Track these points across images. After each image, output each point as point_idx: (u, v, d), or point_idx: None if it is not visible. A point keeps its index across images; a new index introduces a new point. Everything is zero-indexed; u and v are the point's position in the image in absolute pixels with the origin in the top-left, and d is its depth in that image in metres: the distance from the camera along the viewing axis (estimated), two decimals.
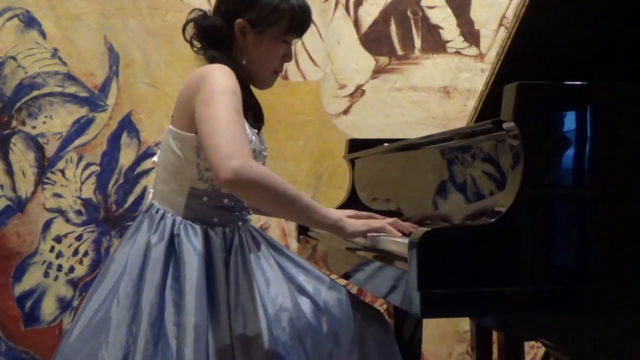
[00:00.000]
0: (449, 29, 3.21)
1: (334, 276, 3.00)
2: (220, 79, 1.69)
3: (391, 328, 1.87)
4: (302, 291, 1.77)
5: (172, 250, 1.71)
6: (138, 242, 1.73)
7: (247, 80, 1.83)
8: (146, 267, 1.68)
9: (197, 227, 1.73)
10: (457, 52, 3.21)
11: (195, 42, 1.84)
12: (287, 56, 1.88)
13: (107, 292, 1.69)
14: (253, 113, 1.82)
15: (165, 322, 1.63)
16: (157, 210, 1.77)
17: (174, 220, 1.74)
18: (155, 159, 1.87)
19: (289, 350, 1.67)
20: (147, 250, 1.70)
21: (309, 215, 1.70)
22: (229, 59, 1.80)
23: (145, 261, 1.69)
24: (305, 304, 1.75)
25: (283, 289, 1.75)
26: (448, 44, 3.21)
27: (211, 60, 1.80)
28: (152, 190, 1.87)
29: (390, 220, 1.77)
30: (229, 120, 1.63)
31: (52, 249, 3.06)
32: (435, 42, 3.21)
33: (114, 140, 3.08)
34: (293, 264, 1.83)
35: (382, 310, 2.87)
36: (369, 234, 1.75)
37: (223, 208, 1.77)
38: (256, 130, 1.82)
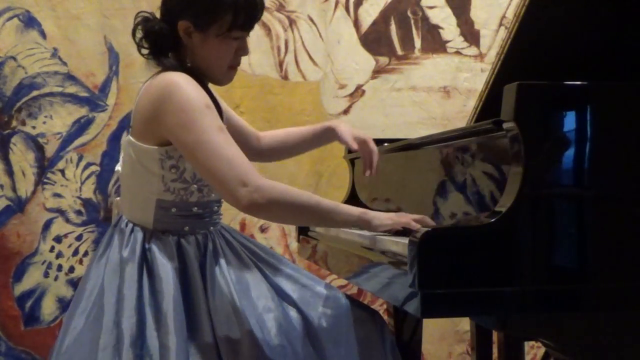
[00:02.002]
0: (449, 29, 3.21)
1: (333, 276, 3.01)
2: (189, 95, 1.65)
3: (388, 330, 1.86)
4: (285, 295, 1.76)
5: (146, 265, 1.69)
6: (111, 259, 1.70)
7: (203, 80, 1.77)
8: (122, 285, 1.66)
9: (168, 239, 1.71)
10: (457, 52, 3.21)
11: (143, 48, 1.77)
12: (242, 50, 1.78)
13: (87, 313, 1.67)
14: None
15: (147, 340, 1.61)
16: (127, 224, 1.74)
17: (144, 234, 1.72)
18: (118, 167, 1.83)
19: (277, 352, 1.66)
20: (122, 268, 1.67)
21: (333, 218, 1.70)
22: (179, 63, 1.74)
23: (121, 279, 1.66)
24: (289, 306, 1.74)
25: (264, 292, 1.73)
26: (448, 44, 3.21)
27: (165, 66, 1.74)
28: (117, 198, 1.84)
29: (417, 216, 1.71)
30: (222, 145, 1.62)
31: (52, 249, 3.06)
32: (435, 42, 3.21)
33: (114, 140, 3.08)
34: (273, 269, 1.80)
35: (382, 310, 2.88)
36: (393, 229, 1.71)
37: (193, 216, 1.74)
38: None
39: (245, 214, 1.69)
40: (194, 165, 1.67)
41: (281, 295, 1.76)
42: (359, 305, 1.85)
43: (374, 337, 1.78)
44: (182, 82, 1.67)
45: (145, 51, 1.77)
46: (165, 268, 1.67)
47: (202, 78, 1.76)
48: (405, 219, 1.68)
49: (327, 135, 2.04)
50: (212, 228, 1.79)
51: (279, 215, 1.72)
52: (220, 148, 1.62)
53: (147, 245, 1.71)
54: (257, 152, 2.07)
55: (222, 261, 1.74)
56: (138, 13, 1.78)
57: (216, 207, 1.80)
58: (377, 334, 1.80)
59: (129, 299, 1.64)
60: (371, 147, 1.92)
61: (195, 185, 1.72)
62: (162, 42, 1.74)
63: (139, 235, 1.71)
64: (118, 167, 1.84)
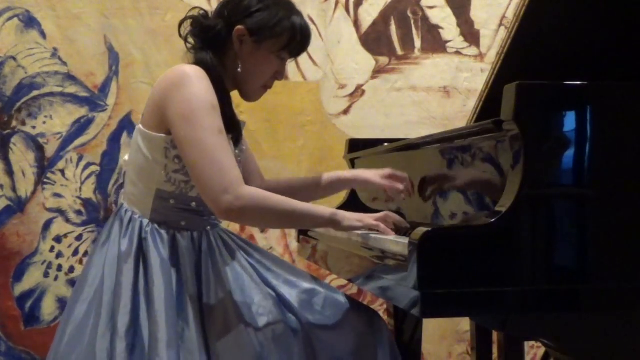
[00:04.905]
0: (449, 29, 3.21)
1: (333, 276, 3.01)
2: (198, 90, 1.66)
3: (388, 331, 1.85)
4: (283, 299, 1.76)
5: (142, 256, 1.70)
6: (111, 249, 1.72)
7: (231, 89, 1.81)
8: (120, 275, 1.68)
9: (164, 232, 1.73)
10: (457, 52, 3.21)
11: (190, 40, 1.82)
12: (279, 74, 1.86)
13: (90, 301, 1.69)
14: (230, 129, 1.77)
15: (139, 329, 1.64)
16: (126, 212, 1.76)
17: (142, 223, 1.73)
18: (126, 157, 1.85)
19: (271, 354, 1.66)
20: (120, 257, 1.70)
21: (306, 221, 1.77)
22: (219, 65, 1.77)
23: (119, 269, 1.68)
24: (286, 310, 1.74)
25: (260, 296, 1.73)
26: (448, 44, 3.21)
27: (199, 61, 1.77)
28: (123, 190, 1.87)
29: (380, 215, 1.79)
30: (215, 147, 1.64)
31: (52, 249, 3.06)
32: (435, 42, 3.21)
33: (114, 140, 3.08)
34: (271, 272, 1.81)
35: (382, 310, 2.88)
36: (363, 231, 1.76)
37: (191, 211, 1.75)
38: (233, 144, 1.81)
39: (222, 219, 1.74)
40: (184, 159, 1.68)
41: (279, 298, 1.76)
42: (359, 307, 1.85)
43: (373, 339, 1.78)
44: (194, 75, 1.69)
45: (191, 43, 1.82)
46: (157, 260, 1.68)
47: (233, 88, 1.81)
48: (373, 222, 1.74)
49: (348, 184, 2.15)
50: (208, 228, 1.79)
51: (253, 221, 1.87)
52: (213, 150, 1.64)
53: (143, 235, 1.72)
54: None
55: (218, 261, 1.74)
56: (194, 7, 1.85)
57: None
58: (376, 336, 1.79)
59: (125, 288, 1.66)
60: (399, 174, 1.96)
61: None
62: (214, 41, 1.79)
63: (137, 224, 1.73)
64: (125, 158, 1.86)
